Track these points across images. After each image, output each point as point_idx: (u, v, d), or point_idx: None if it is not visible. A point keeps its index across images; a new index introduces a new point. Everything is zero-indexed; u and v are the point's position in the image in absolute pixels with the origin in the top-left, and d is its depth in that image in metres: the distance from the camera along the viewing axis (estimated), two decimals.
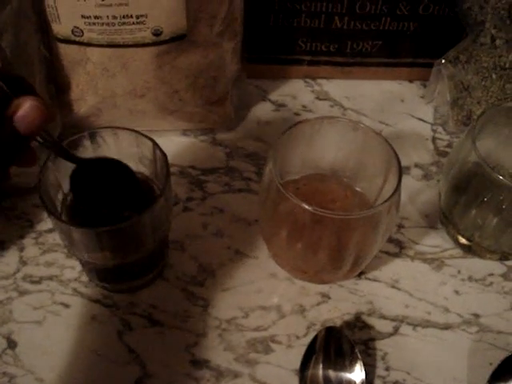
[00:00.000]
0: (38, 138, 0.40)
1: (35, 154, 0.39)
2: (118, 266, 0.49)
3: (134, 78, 0.58)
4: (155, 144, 0.47)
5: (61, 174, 0.46)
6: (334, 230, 0.47)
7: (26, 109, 0.34)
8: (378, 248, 0.50)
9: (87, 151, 0.48)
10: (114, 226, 0.43)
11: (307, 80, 0.73)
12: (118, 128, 0.48)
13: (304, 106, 0.70)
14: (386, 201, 0.45)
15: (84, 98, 0.60)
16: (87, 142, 0.48)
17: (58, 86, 0.60)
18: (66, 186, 0.47)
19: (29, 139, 0.38)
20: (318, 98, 0.71)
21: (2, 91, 0.33)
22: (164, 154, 0.47)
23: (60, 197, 0.48)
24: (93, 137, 0.48)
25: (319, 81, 0.73)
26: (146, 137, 0.47)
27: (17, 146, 0.36)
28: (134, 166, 0.50)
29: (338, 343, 0.48)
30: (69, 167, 0.45)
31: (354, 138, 0.51)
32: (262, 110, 0.70)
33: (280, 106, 0.70)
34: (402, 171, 0.46)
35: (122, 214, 0.45)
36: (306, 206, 0.44)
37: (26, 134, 0.35)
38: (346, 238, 0.47)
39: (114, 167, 0.47)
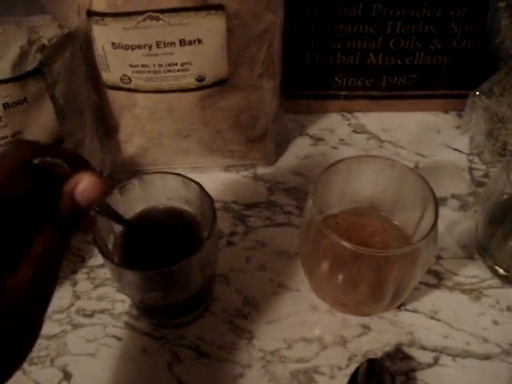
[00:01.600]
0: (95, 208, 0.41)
1: (92, 221, 0.40)
2: (167, 304, 0.50)
3: (179, 120, 0.60)
4: (201, 188, 0.48)
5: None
6: (373, 266, 0.48)
7: (85, 184, 0.35)
8: (417, 281, 0.50)
9: (136, 195, 0.50)
10: (165, 268, 0.44)
11: (344, 113, 0.74)
12: (166, 173, 0.50)
13: (341, 140, 0.71)
14: (423, 238, 0.46)
15: (131, 140, 0.63)
16: (137, 185, 0.50)
17: (106, 128, 0.63)
18: (117, 228, 0.50)
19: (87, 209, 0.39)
20: (354, 131, 0.72)
21: (63, 168, 0.34)
22: (210, 198, 0.48)
23: (112, 238, 0.50)
24: (141, 181, 0.50)
25: (356, 114, 0.74)
26: (193, 181, 0.49)
27: (77, 217, 0.37)
28: (182, 206, 0.52)
29: (379, 375, 0.49)
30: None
31: (390, 175, 0.52)
32: (301, 145, 0.71)
33: (318, 139, 0.71)
34: (438, 207, 0.47)
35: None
36: (346, 244, 0.45)
37: (86, 207, 0.36)
38: (385, 272, 0.48)
39: (161, 228, 0.51)
